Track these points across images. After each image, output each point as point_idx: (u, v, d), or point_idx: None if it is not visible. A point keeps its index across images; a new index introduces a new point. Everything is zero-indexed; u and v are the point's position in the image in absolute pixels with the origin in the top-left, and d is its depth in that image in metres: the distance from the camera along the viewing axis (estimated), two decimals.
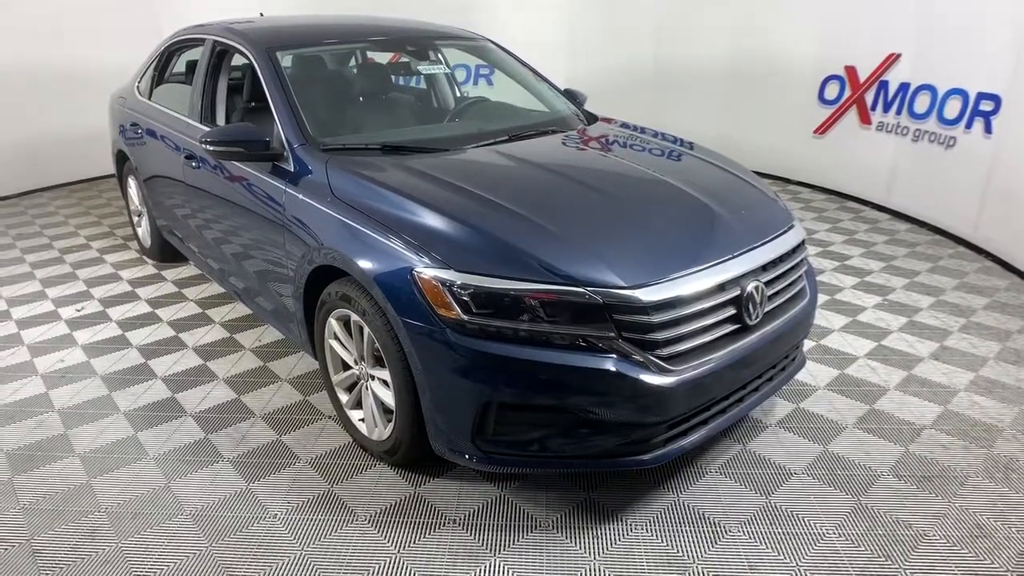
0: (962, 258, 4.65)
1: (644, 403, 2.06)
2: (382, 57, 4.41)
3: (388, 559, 2.17)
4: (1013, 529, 2.26)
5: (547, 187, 2.60)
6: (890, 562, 2.13)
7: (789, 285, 2.51)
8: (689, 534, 2.26)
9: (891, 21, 5.38)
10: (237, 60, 3.51)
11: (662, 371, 2.06)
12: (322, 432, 2.82)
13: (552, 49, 7.36)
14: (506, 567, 2.13)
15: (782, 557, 2.15)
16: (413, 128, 3.49)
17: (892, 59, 5.42)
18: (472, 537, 2.26)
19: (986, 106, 4.65)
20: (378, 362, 2.45)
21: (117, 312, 3.99)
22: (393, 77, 4.11)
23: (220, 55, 3.53)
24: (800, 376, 3.12)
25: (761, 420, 2.86)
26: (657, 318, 2.07)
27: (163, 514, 2.37)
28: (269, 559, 2.17)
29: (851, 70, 5.76)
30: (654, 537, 2.25)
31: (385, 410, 2.50)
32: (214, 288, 4.28)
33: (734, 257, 2.28)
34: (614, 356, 2.04)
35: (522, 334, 2.05)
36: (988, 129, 4.64)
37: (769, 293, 2.36)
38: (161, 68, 4.28)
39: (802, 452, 2.66)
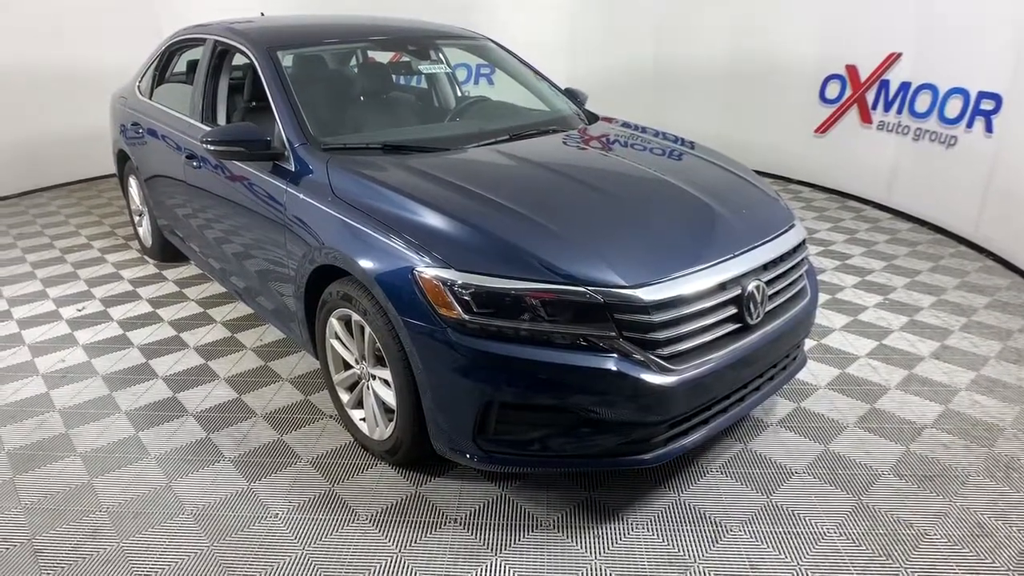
0: (963, 257, 4.65)
1: (645, 402, 2.06)
2: (383, 57, 4.42)
3: (389, 558, 2.17)
4: (1014, 528, 2.26)
5: (548, 186, 2.60)
6: (891, 561, 2.13)
7: (790, 284, 2.51)
8: (690, 533, 2.26)
9: (892, 20, 5.38)
10: (238, 60, 3.51)
11: (663, 370, 2.06)
12: (323, 431, 2.83)
13: (552, 49, 7.36)
14: (507, 566, 2.14)
15: (783, 556, 2.15)
16: (414, 127, 3.49)
17: (893, 58, 5.42)
18: (473, 536, 2.26)
19: (987, 105, 4.65)
20: (379, 361, 2.45)
21: (118, 312, 3.99)
22: (394, 77, 4.10)
23: (221, 55, 3.53)
24: (801, 375, 3.12)
25: (762, 419, 2.86)
26: (658, 317, 2.07)
27: (164, 513, 2.38)
28: (270, 558, 2.17)
29: (852, 69, 5.76)
30: (655, 536, 2.25)
31: (386, 409, 2.50)
32: (215, 288, 4.28)
33: (735, 256, 2.28)
34: (615, 355, 2.04)
35: (523, 333, 2.05)
36: (989, 128, 4.64)
37: (770, 292, 2.36)
38: (162, 68, 4.28)
39: (803, 451, 2.66)
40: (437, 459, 2.41)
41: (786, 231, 2.54)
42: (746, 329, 2.28)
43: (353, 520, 2.34)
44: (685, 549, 2.19)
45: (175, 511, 2.39)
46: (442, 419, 2.22)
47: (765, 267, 2.36)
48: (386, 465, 2.60)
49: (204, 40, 3.67)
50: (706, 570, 2.11)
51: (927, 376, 3.18)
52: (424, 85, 4.25)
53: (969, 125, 4.81)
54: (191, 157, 3.49)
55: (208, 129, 3.22)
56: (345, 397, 2.73)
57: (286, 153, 2.79)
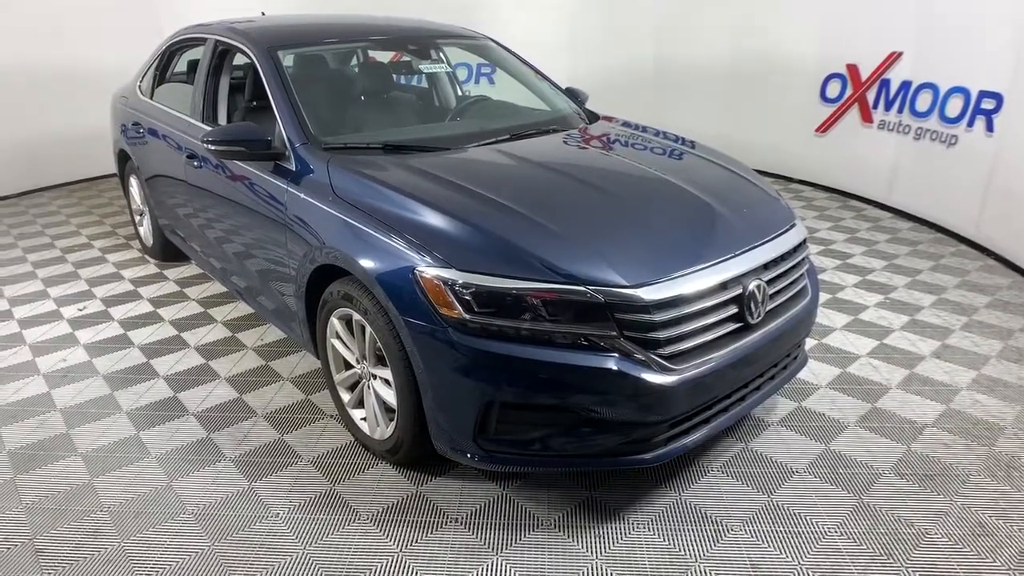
0: (964, 256, 4.65)
1: (646, 402, 2.06)
2: (383, 56, 4.41)
3: (390, 558, 2.17)
4: (1015, 527, 2.26)
5: (549, 186, 2.60)
6: (892, 560, 2.13)
7: (791, 284, 2.51)
8: (691, 532, 2.26)
9: (892, 20, 5.38)
10: (239, 59, 3.51)
11: (664, 370, 2.06)
12: (324, 431, 2.83)
13: (553, 49, 7.35)
14: (508, 566, 2.14)
15: (784, 555, 2.15)
16: (415, 127, 3.49)
17: (894, 57, 5.42)
18: (474, 536, 2.26)
19: (988, 104, 4.65)
20: (380, 361, 2.45)
21: (119, 311, 3.99)
22: (395, 76, 4.10)
23: (222, 54, 3.53)
24: (802, 375, 3.12)
25: (763, 419, 2.86)
26: (659, 317, 2.07)
27: (165, 513, 2.38)
28: (271, 558, 2.18)
29: (853, 68, 5.76)
30: (656, 536, 2.25)
31: (387, 409, 2.50)
32: (216, 287, 4.28)
33: (736, 256, 2.28)
34: (616, 355, 2.04)
35: (524, 333, 2.05)
36: (990, 127, 4.64)
37: (771, 292, 2.36)
38: (163, 68, 4.28)
39: (804, 450, 2.66)
40: (438, 459, 2.41)
41: (787, 230, 2.54)
42: (747, 328, 2.28)
43: (354, 519, 2.34)
44: (686, 548, 2.19)
45: (176, 510, 2.39)
46: (443, 419, 2.22)
47: (766, 266, 2.36)
48: (387, 465, 2.61)
49: (205, 40, 3.68)
50: (707, 569, 2.11)
51: (928, 375, 3.18)
52: (425, 85, 4.25)
53: (970, 124, 4.81)
54: (192, 157, 3.49)
55: (209, 129, 3.22)
56: (346, 397, 2.73)
57: (287, 153, 2.79)
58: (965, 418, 2.85)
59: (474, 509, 2.38)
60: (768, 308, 2.36)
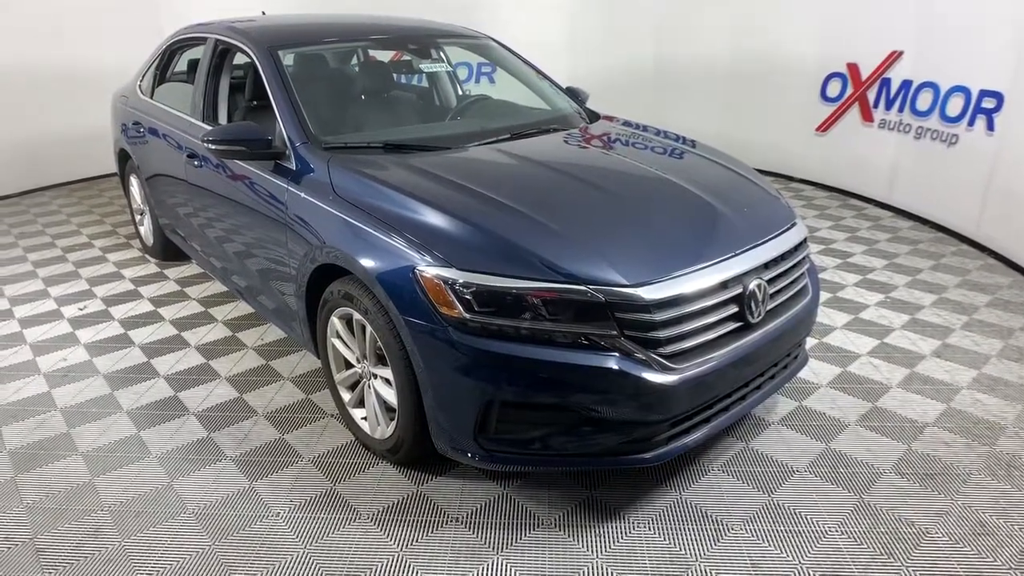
0: (964, 256, 4.65)
1: (646, 401, 2.06)
2: (384, 55, 4.41)
3: (391, 557, 2.17)
4: (1015, 527, 2.26)
5: (549, 185, 2.60)
6: (892, 559, 2.13)
7: (791, 283, 2.51)
8: (692, 532, 2.26)
9: (893, 19, 5.38)
10: (239, 59, 3.51)
11: (664, 369, 2.06)
12: (324, 431, 2.83)
13: (553, 48, 7.35)
14: (509, 565, 2.14)
15: (784, 555, 2.15)
16: (415, 126, 3.50)
17: (894, 56, 5.41)
18: (475, 535, 2.26)
19: (988, 103, 4.65)
20: (380, 360, 2.45)
21: (120, 311, 4.00)
22: (395, 75, 4.11)
23: (222, 54, 3.53)
24: (802, 374, 3.12)
25: (763, 418, 2.86)
26: (659, 316, 2.07)
27: (166, 513, 2.38)
28: (272, 557, 2.18)
29: (853, 67, 5.76)
30: (656, 535, 2.25)
31: (387, 408, 2.50)
32: (216, 287, 4.28)
33: (736, 255, 2.28)
34: (616, 354, 2.04)
35: (524, 332, 2.05)
36: (990, 127, 4.63)
37: (771, 291, 2.36)
38: (163, 67, 4.28)
39: (804, 450, 2.66)
40: (438, 458, 2.41)
41: (787, 229, 2.54)
42: (747, 328, 2.28)
43: (355, 519, 2.34)
44: (686, 547, 2.19)
45: (177, 510, 2.39)
46: (443, 418, 2.22)
47: (766, 265, 2.36)
48: (387, 464, 2.61)
49: (205, 39, 3.68)
50: (707, 568, 2.11)
51: (928, 374, 3.18)
52: (425, 84, 4.25)
53: (970, 123, 4.81)
54: (192, 156, 3.49)
55: (209, 128, 3.23)
56: (346, 396, 2.73)
57: (287, 152, 2.79)
58: (966, 417, 2.85)
59: (475, 508, 2.38)
60: (769, 307, 2.35)
